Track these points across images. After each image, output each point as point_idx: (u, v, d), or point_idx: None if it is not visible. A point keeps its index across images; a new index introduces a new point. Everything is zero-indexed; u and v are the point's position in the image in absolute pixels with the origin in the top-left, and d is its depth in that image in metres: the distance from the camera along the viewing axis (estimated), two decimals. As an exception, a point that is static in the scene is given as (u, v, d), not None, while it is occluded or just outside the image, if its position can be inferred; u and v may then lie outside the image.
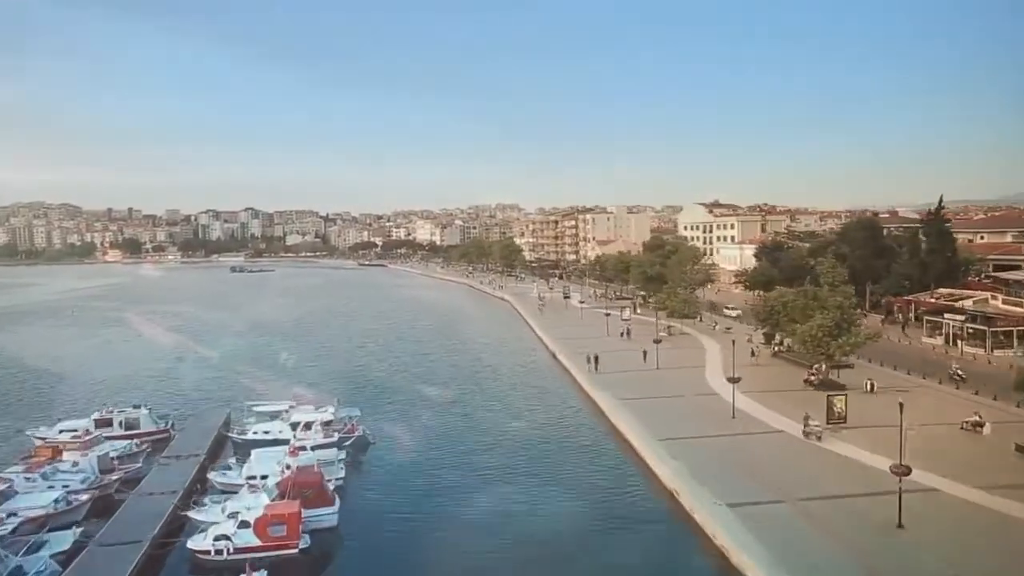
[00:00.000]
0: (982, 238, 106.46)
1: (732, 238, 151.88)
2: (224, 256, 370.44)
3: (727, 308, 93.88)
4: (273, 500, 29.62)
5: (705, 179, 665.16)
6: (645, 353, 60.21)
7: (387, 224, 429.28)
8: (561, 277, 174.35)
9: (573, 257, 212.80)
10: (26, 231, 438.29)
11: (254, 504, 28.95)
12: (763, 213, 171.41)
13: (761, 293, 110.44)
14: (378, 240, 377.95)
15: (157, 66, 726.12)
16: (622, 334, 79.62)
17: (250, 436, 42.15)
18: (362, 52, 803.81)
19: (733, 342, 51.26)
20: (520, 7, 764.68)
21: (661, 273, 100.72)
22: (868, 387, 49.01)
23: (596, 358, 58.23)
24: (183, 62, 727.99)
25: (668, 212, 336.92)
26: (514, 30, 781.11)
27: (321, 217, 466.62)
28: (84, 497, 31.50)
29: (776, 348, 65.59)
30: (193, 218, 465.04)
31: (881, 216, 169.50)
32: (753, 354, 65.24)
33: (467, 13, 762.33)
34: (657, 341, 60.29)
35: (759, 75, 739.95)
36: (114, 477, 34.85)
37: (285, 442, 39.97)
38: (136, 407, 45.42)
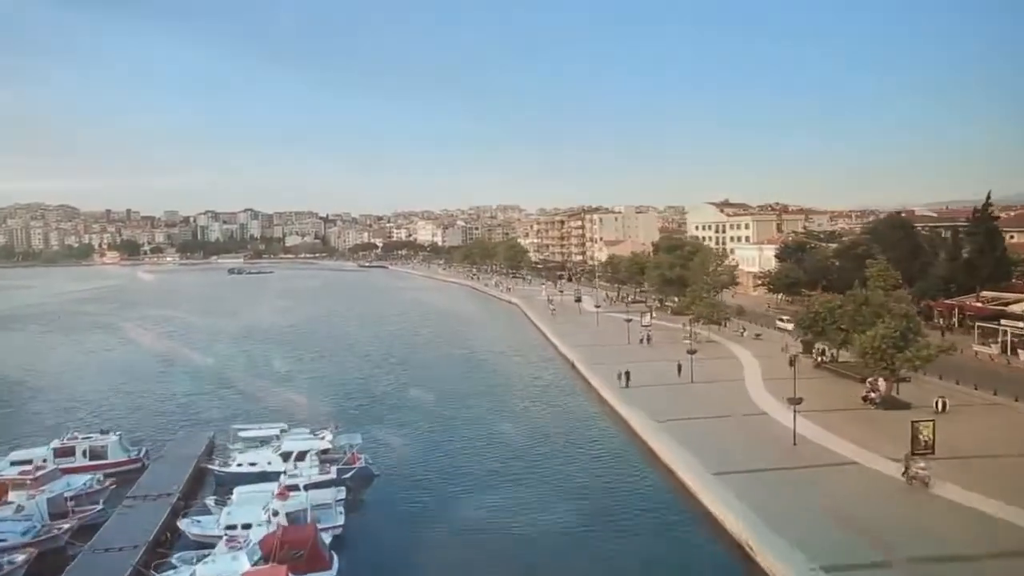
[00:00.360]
0: (1012, 238, 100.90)
1: (747, 238, 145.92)
2: (223, 258, 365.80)
3: (780, 320, 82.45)
4: (255, 564, 23.66)
5: (705, 180, 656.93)
6: (680, 366, 54.14)
7: (387, 225, 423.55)
8: (570, 279, 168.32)
9: (580, 258, 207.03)
10: (23, 233, 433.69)
11: (230, 571, 23.00)
12: (777, 213, 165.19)
13: (783, 296, 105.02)
14: (378, 241, 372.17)
15: (157, 67, 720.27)
16: (642, 340, 73.93)
17: (234, 468, 36.14)
18: (362, 53, 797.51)
19: (793, 358, 45.28)
20: (519, 7, 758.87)
21: (681, 275, 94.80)
22: (939, 406, 43.03)
23: (627, 374, 52.06)
24: (183, 63, 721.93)
25: (670, 212, 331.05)
26: (513, 31, 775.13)
27: (321, 218, 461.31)
28: (20, 558, 25.42)
29: (819, 359, 59.58)
30: (192, 219, 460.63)
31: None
32: (792, 363, 59.33)
33: (466, 13, 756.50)
34: (691, 352, 54.31)
35: (759, 75, 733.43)
36: (66, 525, 28.88)
37: (275, 476, 34.09)
38: (104, 432, 39.44)
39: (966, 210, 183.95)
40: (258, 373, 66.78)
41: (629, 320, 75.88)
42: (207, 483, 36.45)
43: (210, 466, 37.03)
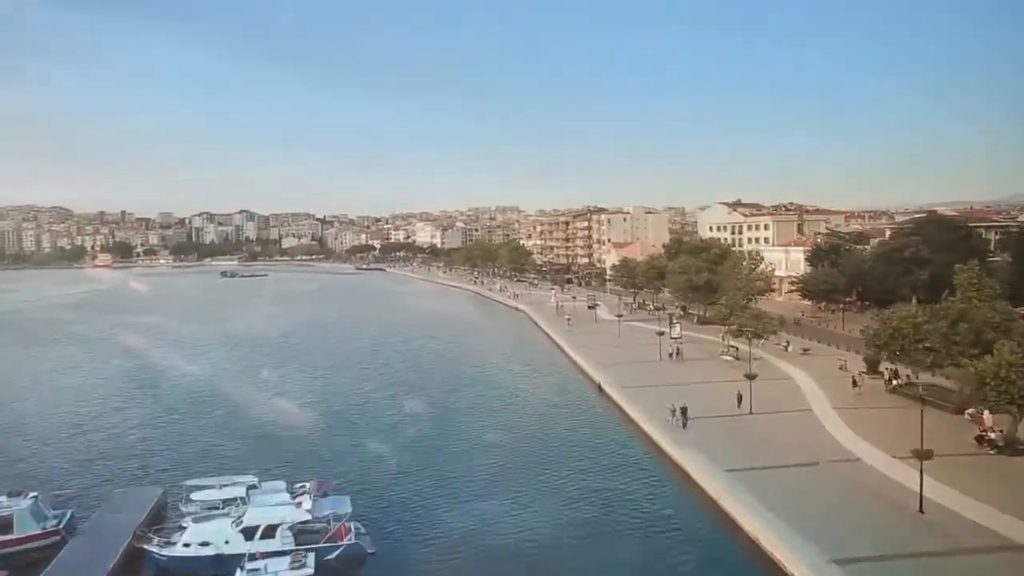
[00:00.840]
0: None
1: (766, 239, 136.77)
2: (217, 260, 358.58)
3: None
4: None
5: (702, 181, 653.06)
6: (740, 396, 45.05)
7: (385, 226, 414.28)
8: (580, 283, 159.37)
9: (586, 260, 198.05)
10: (15, 234, 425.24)
11: None
12: (798, 213, 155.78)
13: (816, 303, 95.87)
14: (376, 243, 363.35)
15: (157, 67, 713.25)
16: (672, 355, 65.22)
17: (179, 551, 26.94)
18: (361, 53, 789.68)
19: (919, 397, 36.25)
20: (519, 7, 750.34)
21: (709, 281, 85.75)
22: (1083, 451, 34.08)
23: (684, 411, 42.61)
24: (183, 63, 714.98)
25: (670, 214, 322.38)
26: (513, 31, 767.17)
27: (318, 220, 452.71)
28: None
29: (895, 381, 50.49)
30: (187, 221, 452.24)
31: (916, 216, 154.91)
32: (855, 384, 50.61)
33: (466, 13, 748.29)
34: (751, 376, 45.19)
35: (758, 75, 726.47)
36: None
37: (232, 562, 25.08)
38: (14, 494, 30.09)
39: (990, 210, 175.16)
40: (235, 397, 57.48)
41: (662, 333, 66.79)
42: (142, 572, 27.23)
43: (148, 547, 27.56)
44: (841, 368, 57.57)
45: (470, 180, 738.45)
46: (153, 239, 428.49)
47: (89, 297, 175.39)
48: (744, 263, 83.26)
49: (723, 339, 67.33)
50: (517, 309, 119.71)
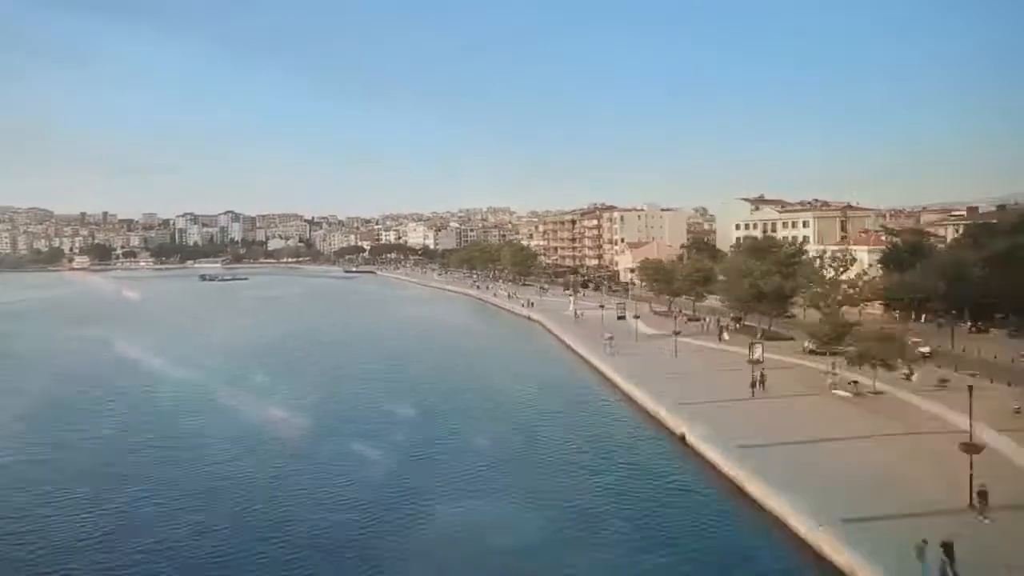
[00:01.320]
0: None
1: (805, 238, 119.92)
2: (200, 262, 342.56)
3: None
4: None
5: (699, 181, 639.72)
6: (982, 494, 27.36)
7: (376, 228, 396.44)
8: (597, 288, 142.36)
9: (595, 262, 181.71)
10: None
11: None
12: (841, 209, 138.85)
13: (895, 314, 78.85)
14: (366, 244, 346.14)
15: (142, 67, 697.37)
16: (754, 385, 48.35)
17: None
18: (349, 54, 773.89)
19: None
20: (514, 7, 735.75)
21: (780, 286, 68.61)
22: None
23: (948, 551, 21.18)
24: (169, 63, 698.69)
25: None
26: (507, 32, 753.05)
27: (305, 221, 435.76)
28: None
29: None
30: (171, 222, 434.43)
31: (954, 214, 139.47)
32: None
33: (462, 13, 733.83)
34: (974, 449, 27.74)
35: (757, 73, 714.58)
36: None
37: None
38: None
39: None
40: (172, 455, 40.08)
41: (753, 361, 49.48)
42: None
43: None
44: (1018, 412, 40.92)
45: (460, 181, 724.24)
46: (135, 241, 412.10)
47: (47, 304, 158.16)
48: (831, 265, 66.21)
49: (832, 367, 50.16)
50: (530, 319, 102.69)
